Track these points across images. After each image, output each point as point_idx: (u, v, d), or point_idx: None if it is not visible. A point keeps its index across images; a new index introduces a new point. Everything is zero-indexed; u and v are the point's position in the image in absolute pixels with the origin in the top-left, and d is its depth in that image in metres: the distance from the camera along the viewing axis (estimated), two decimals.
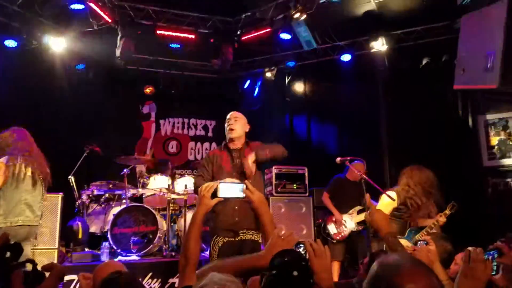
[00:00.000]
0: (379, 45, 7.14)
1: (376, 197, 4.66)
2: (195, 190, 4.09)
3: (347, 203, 5.74)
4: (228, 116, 3.96)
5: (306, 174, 6.74)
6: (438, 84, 6.59)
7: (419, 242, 2.87)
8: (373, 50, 7.24)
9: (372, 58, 7.37)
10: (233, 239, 3.69)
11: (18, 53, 6.64)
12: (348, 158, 4.64)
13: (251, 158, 3.74)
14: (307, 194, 6.62)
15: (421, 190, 3.85)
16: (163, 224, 5.75)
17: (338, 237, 5.75)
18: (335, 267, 5.67)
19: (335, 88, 8.10)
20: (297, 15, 6.25)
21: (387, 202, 3.94)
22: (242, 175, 3.66)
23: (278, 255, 1.62)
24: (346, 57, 7.63)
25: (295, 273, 1.54)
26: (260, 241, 3.68)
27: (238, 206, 3.66)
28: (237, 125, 3.87)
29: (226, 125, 3.93)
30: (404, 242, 3.81)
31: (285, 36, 6.92)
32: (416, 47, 7.12)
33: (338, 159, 4.62)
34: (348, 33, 7.50)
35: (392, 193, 3.94)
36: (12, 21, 6.39)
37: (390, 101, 7.48)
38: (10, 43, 6.51)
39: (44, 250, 4.78)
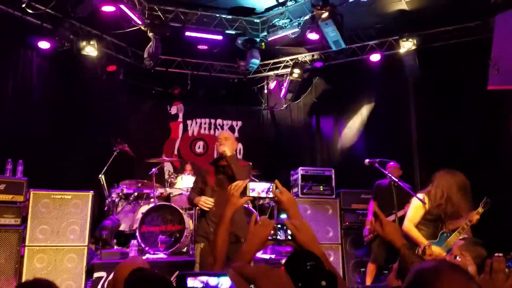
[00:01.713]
0: (409, 45, 7.00)
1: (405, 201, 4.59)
2: (189, 202, 4.46)
3: (387, 209, 5.58)
4: (218, 136, 4.21)
5: (333, 175, 6.66)
6: (471, 84, 6.40)
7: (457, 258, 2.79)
8: (402, 50, 7.10)
9: (401, 58, 7.22)
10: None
11: (51, 54, 6.83)
12: (377, 160, 4.55)
13: (225, 148, 3.99)
14: (333, 196, 6.54)
15: (453, 194, 3.75)
16: (189, 223, 5.80)
17: (365, 239, 5.72)
18: (370, 268, 5.58)
19: (363, 88, 7.98)
20: (325, 15, 6.19)
21: (418, 206, 3.86)
22: (224, 190, 3.74)
23: (294, 261, 1.57)
24: (375, 57, 7.52)
25: (323, 283, 1.48)
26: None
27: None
28: (227, 144, 4.06)
29: (217, 144, 4.15)
30: (436, 248, 3.72)
31: (313, 36, 6.86)
32: (447, 47, 6.95)
33: (367, 161, 4.55)
34: (377, 32, 7.38)
35: (423, 196, 3.85)
36: (45, 23, 6.59)
37: (421, 102, 7.31)
38: (43, 44, 6.69)
39: (74, 247, 4.88)
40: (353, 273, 6.20)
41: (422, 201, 3.81)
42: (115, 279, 2.12)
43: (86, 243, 4.94)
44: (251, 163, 4.25)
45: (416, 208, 3.90)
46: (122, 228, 6.18)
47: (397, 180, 4.45)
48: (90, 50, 6.86)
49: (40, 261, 4.75)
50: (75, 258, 4.86)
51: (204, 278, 1.10)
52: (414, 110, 7.46)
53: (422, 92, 7.26)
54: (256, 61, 7.80)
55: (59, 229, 4.84)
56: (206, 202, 3.94)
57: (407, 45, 7.01)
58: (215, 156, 4.38)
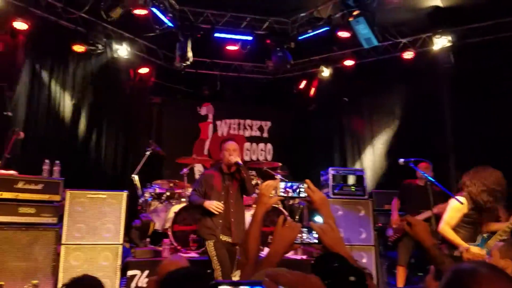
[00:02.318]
0: (444, 42, 6.81)
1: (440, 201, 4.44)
2: (192, 204, 4.73)
3: (415, 208, 5.45)
4: (227, 147, 4.48)
5: (365, 176, 6.54)
6: (509, 81, 6.16)
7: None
8: (437, 47, 6.91)
9: (436, 55, 7.03)
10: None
11: (86, 57, 7.00)
12: (412, 159, 4.42)
13: (238, 159, 4.36)
14: (366, 196, 6.43)
15: (490, 193, 3.61)
16: None
17: (390, 239, 5.58)
18: (399, 271, 5.45)
19: (396, 86, 7.80)
20: (356, 12, 6.09)
21: (457, 208, 3.73)
22: (229, 196, 4.41)
23: (321, 262, 1.56)
24: (408, 55, 7.35)
25: (352, 278, 1.48)
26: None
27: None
28: (236, 154, 4.41)
29: (226, 153, 4.46)
30: (476, 249, 3.59)
31: (344, 34, 6.76)
32: (483, 43, 6.71)
33: (401, 160, 4.43)
34: (410, 29, 7.21)
35: (462, 198, 3.72)
36: (79, 27, 6.76)
37: (456, 100, 7.08)
38: (78, 48, 6.86)
39: (109, 245, 4.97)
40: (387, 276, 6.06)
41: (461, 202, 3.68)
42: (158, 278, 2.15)
43: (121, 241, 5.02)
44: (254, 172, 4.82)
45: (454, 210, 3.77)
46: (154, 227, 6.26)
47: (433, 180, 4.32)
48: (123, 53, 7.00)
49: (76, 259, 4.85)
50: (110, 256, 4.95)
51: (236, 286, 1.06)
52: (449, 108, 7.24)
53: (458, 90, 7.04)
54: (285, 61, 7.74)
55: (94, 227, 4.94)
56: (218, 206, 4.29)
57: (441, 42, 6.82)
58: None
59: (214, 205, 4.29)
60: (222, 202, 4.35)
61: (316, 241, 1.84)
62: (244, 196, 4.66)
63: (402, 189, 5.76)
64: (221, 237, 4.32)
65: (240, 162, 4.37)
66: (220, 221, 4.33)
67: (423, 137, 7.16)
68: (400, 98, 7.78)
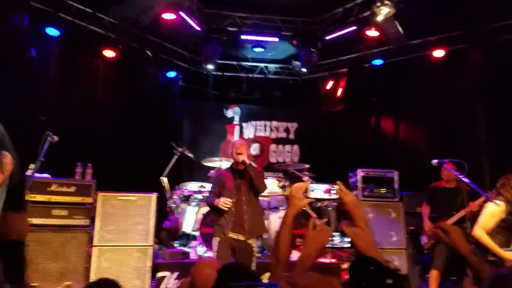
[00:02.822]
0: (476, 39, 6.60)
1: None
2: (209, 206, 4.78)
3: (446, 211, 5.28)
4: (235, 145, 4.58)
5: (395, 177, 6.41)
6: None
7: None
8: (468, 45, 6.71)
9: (468, 53, 6.83)
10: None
11: (115, 61, 7.12)
12: (446, 160, 4.29)
13: (245, 157, 4.41)
14: (396, 199, 6.29)
15: None
16: None
17: (426, 246, 5.41)
18: (433, 275, 5.30)
19: (426, 85, 7.60)
20: (385, 11, 5.98)
21: (494, 212, 3.60)
22: (240, 193, 4.44)
23: (357, 265, 1.53)
24: (438, 53, 7.16)
25: (389, 281, 1.46)
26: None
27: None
28: (244, 153, 4.48)
29: (233, 151, 4.56)
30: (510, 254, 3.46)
31: (372, 33, 6.65)
32: None
33: (435, 161, 4.31)
34: (441, 27, 7.03)
35: (500, 203, 3.59)
36: (109, 32, 6.89)
37: (489, 98, 6.85)
38: (108, 53, 7.01)
39: (139, 247, 5.03)
40: (420, 279, 5.91)
41: (499, 205, 3.54)
42: (192, 280, 2.15)
43: (151, 243, 5.07)
44: (263, 170, 4.89)
45: (491, 214, 3.64)
46: (183, 228, 6.31)
47: (469, 181, 4.17)
48: (151, 57, 7.10)
49: (107, 260, 4.92)
50: (141, 257, 5.00)
51: None
52: (482, 107, 7.02)
53: (490, 88, 6.81)
54: (311, 62, 7.68)
55: (125, 229, 5.00)
56: (225, 202, 4.32)
57: (473, 39, 6.62)
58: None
59: (222, 202, 4.34)
60: (234, 200, 4.39)
61: (349, 245, 1.86)
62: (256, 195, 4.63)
63: (430, 193, 5.56)
64: (230, 234, 4.33)
65: (246, 161, 4.41)
66: (232, 218, 4.36)
67: (454, 137, 6.95)
68: (430, 97, 7.57)
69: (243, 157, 4.44)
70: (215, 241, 4.37)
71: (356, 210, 2.24)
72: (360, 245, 1.81)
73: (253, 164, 4.53)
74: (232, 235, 4.34)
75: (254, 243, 4.43)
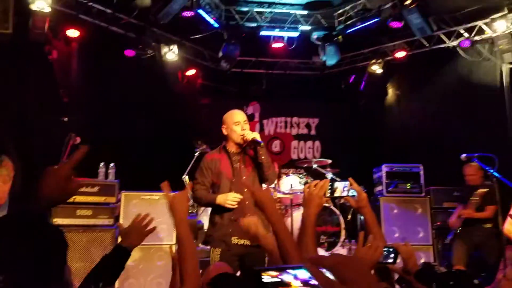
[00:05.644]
0: (504, 27, 6.35)
1: None
2: (195, 200, 3.78)
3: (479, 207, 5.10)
4: (236, 118, 3.65)
5: (422, 172, 6.24)
6: None
7: None
8: (496, 34, 6.46)
9: (494, 43, 6.57)
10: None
11: (136, 61, 7.16)
12: (476, 154, 4.14)
13: (256, 134, 3.49)
14: (423, 194, 6.13)
15: None
16: None
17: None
18: None
19: (452, 77, 7.37)
20: (408, 1, 5.81)
21: None
22: (241, 180, 3.46)
23: (425, 269, 1.55)
24: (464, 43, 6.93)
25: (475, 281, 1.50)
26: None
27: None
28: (248, 127, 3.59)
29: (236, 127, 3.56)
30: None
31: (395, 24, 6.48)
32: None
33: (464, 156, 4.17)
34: (466, 16, 6.79)
35: None
36: (129, 32, 6.91)
37: None
38: (129, 52, 7.04)
39: (163, 246, 5.04)
40: None
41: None
42: (204, 282, 2.13)
43: (174, 242, 5.06)
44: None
45: None
46: (205, 227, 6.30)
47: (500, 176, 4.02)
48: (171, 56, 7.10)
49: (131, 259, 4.88)
50: (164, 256, 5.01)
51: (280, 272, 1.09)
52: (510, 99, 6.75)
53: None
54: (333, 56, 7.55)
55: None
56: (234, 199, 3.37)
57: (501, 27, 6.37)
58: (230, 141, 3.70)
59: (229, 199, 3.36)
60: (234, 190, 3.44)
61: (391, 260, 1.87)
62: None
63: (465, 192, 5.38)
64: (233, 240, 3.41)
65: (258, 139, 3.41)
66: (232, 217, 3.40)
67: (483, 130, 6.71)
68: (456, 89, 7.34)
69: (253, 134, 3.44)
70: (215, 253, 3.43)
71: (365, 208, 2.37)
72: (411, 266, 1.92)
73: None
74: (236, 240, 3.40)
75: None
